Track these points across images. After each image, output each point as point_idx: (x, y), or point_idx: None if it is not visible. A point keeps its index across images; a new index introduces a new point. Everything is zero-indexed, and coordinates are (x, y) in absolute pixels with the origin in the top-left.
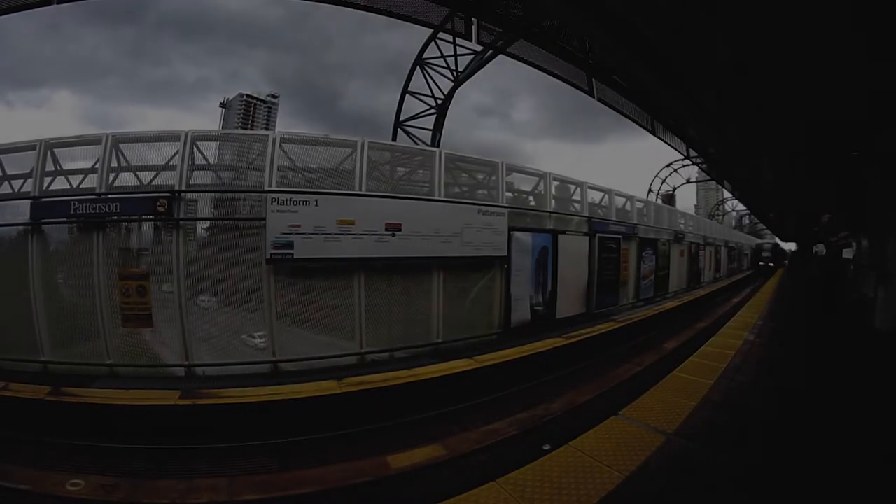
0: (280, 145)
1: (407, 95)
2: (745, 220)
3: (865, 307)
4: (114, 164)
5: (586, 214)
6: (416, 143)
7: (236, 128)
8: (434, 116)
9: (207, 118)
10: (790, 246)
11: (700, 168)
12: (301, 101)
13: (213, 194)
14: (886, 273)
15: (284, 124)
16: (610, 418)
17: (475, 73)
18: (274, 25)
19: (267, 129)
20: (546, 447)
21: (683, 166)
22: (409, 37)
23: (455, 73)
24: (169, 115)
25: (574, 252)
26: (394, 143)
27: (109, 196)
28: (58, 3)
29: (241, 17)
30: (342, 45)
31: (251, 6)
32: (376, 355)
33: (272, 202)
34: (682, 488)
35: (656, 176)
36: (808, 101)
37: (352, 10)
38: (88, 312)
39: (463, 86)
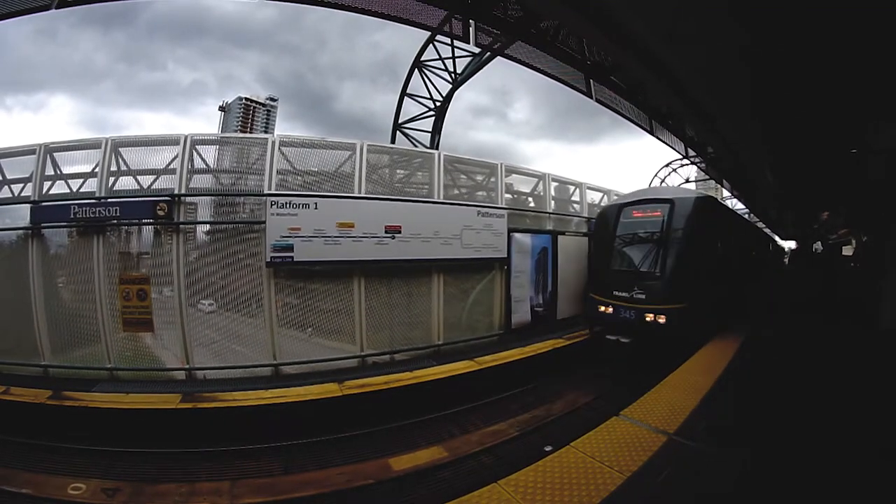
0: (279, 148)
1: (405, 98)
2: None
3: (865, 304)
4: (113, 168)
5: (586, 215)
6: (415, 146)
7: (235, 131)
8: (432, 119)
9: (204, 122)
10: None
11: (699, 168)
12: (297, 104)
13: (212, 198)
14: (887, 269)
15: (281, 128)
16: (611, 419)
17: (473, 75)
18: (266, 27)
19: (266, 132)
20: (547, 448)
21: (682, 166)
22: (403, 36)
23: (453, 75)
24: (166, 119)
25: (574, 253)
26: (393, 145)
27: (109, 200)
28: (56, 8)
29: (233, 19)
30: (335, 46)
31: (243, 8)
32: (377, 358)
33: (272, 205)
34: (684, 489)
35: (655, 175)
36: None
37: (346, 12)
38: (89, 316)
39: (459, 87)
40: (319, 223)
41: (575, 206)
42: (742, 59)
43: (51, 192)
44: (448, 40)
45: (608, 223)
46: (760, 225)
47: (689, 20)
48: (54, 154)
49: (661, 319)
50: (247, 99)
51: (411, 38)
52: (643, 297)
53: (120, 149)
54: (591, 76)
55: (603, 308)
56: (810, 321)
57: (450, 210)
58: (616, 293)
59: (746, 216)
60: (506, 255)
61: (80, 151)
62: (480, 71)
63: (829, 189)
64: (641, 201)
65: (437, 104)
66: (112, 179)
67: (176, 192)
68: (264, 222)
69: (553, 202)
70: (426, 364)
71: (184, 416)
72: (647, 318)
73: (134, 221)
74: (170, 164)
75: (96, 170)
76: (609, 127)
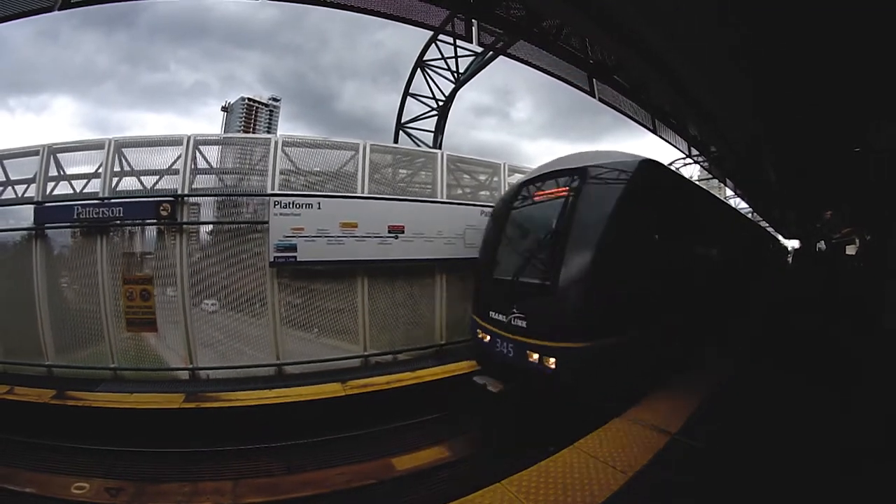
0: (282, 148)
1: (408, 97)
2: None
3: (868, 303)
4: (117, 168)
5: None
6: (418, 145)
7: (238, 131)
8: (435, 118)
9: (207, 122)
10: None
11: (702, 167)
12: (300, 104)
13: (216, 198)
14: (893, 270)
15: (284, 128)
16: (614, 419)
17: (475, 74)
18: (268, 28)
19: (269, 132)
20: (551, 448)
21: (685, 165)
22: (406, 36)
23: (456, 74)
24: (168, 120)
25: None
26: (396, 145)
27: (113, 200)
28: (59, 10)
29: (234, 19)
30: (337, 45)
31: (244, 8)
32: (380, 357)
33: (275, 205)
34: (686, 488)
35: None
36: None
37: (348, 11)
38: (92, 316)
39: (462, 86)
40: (322, 223)
41: None
42: (744, 59)
43: (54, 192)
44: (451, 40)
45: (503, 210)
46: (763, 224)
47: (691, 19)
48: (57, 155)
49: (550, 363)
50: (249, 99)
51: (413, 37)
52: (523, 323)
53: (123, 149)
54: (593, 75)
55: (481, 334)
56: (811, 321)
57: (453, 209)
58: (493, 314)
59: (750, 215)
60: None
61: (84, 152)
62: (483, 70)
63: (831, 188)
64: (546, 175)
65: (440, 104)
66: (115, 180)
67: (179, 192)
68: (267, 222)
69: None
70: (428, 364)
71: (187, 415)
72: (531, 359)
73: (137, 222)
74: (173, 164)
75: (100, 170)
76: (611, 126)
